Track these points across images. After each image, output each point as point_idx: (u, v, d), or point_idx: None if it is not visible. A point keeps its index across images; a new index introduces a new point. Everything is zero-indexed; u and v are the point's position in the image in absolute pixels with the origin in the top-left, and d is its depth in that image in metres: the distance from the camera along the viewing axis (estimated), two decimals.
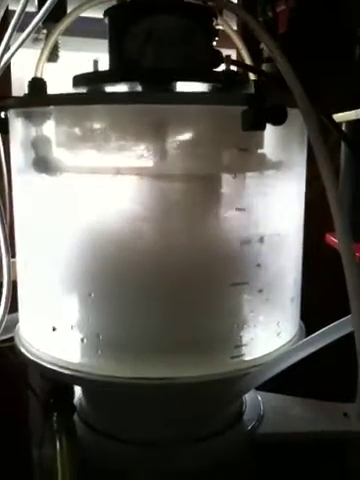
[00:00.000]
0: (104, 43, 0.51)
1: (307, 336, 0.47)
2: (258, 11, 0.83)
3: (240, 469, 0.53)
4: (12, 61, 0.82)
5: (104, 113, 0.43)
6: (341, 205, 0.34)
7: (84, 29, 0.90)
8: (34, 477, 0.69)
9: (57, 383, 0.49)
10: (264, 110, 0.40)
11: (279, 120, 0.40)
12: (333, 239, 0.60)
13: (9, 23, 0.52)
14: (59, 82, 0.52)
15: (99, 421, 0.52)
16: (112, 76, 0.48)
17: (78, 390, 0.54)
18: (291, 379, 0.51)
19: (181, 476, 0.49)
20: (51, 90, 0.47)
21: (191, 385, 0.42)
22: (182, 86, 0.46)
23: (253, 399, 0.56)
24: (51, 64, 0.84)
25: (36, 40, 0.82)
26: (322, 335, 0.45)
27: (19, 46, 0.53)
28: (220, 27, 0.74)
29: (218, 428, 0.50)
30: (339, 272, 0.38)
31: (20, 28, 0.55)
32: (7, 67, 0.56)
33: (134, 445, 0.49)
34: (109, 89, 0.47)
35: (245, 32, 0.80)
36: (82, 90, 0.49)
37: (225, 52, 0.49)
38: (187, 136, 0.42)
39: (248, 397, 0.56)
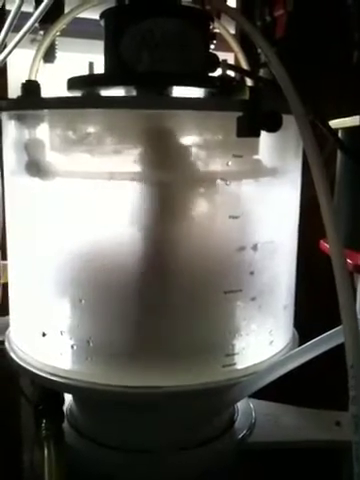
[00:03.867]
0: (102, 44, 0.51)
1: (301, 344, 0.47)
2: (256, 15, 0.83)
3: (231, 477, 0.53)
4: (10, 63, 0.82)
5: (98, 117, 0.43)
6: (333, 213, 0.34)
7: (82, 30, 0.89)
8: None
9: (47, 389, 0.48)
10: (259, 117, 0.39)
11: (274, 127, 0.40)
12: (327, 246, 0.60)
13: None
14: (56, 84, 0.52)
15: (89, 428, 0.51)
16: (107, 80, 0.47)
17: (68, 396, 0.53)
18: (284, 387, 0.51)
19: None
20: (47, 91, 0.46)
21: (181, 394, 0.42)
22: (177, 90, 0.46)
23: (245, 407, 0.55)
24: (49, 65, 0.84)
25: (34, 41, 0.82)
26: (316, 344, 0.45)
27: (15, 46, 0.52)
28: (217, 30, 0.74)
29: (209, 436, 0.50)
30: (334, 279, 0.38)
31: (18, 29, 0.54)
32: (3, 68, 0.55)
33: (124, 452, 0.48)
34: (104, 93, 0.47)
35: (243, 36, 0.79)
36: (77, 93, 0.48)
37: (223, 56, 0.49)
38: (181, 142, 0.42)
39: (240, 405, 0.55)
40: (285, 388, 0.54)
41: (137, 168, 0.42)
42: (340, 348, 0.41)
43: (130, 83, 0.45)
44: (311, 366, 0.46)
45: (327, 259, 0.38)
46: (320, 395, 0.61)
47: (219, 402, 0.45)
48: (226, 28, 0.67)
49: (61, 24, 0.61)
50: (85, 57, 0.51)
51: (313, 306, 0.67)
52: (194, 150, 0.41)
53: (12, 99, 0.48)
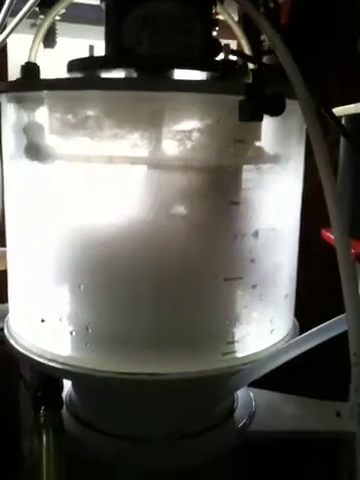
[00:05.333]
0: (102, 30, 0.50)
1: (301, 334, 0.47)
2: (259, 2, 0.81)
3: (230, 466, 0.53)
4: (11, 47, 0.81)
5: (98, 99, 0.42)
6: (338, 200, 0.33)
7: (83, 16, 0.88)
8: (24, 468, 0.69)
9: (46, 376, 0.48)
10: (262, 100, 0.39)
11: (277, 111, 0.39)
12: (329, 235, 0.59)
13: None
14: (56, 69, 0.51)
15: (88, 415, 0.51)
16: (107, 62, 0.46)
17: (68, 383, 0.53)
18: (284, 376, 0.51)
19: (169, 473, 0.48)
20: (47, 76, 0.45)
21: (180, 381, 0.41)
22: (179, 74, 0.45)
23: (245, 396, 0.55)
24: (49, 51, 0.83)
25: (34, 25, 0.81)
26: (316, 333, 0.44)
27: (13, 28, 0.51)
28: (220, 17, 0.73)
29: (208, 425, 0.49)
30: (335, 269, 0.37)
31: (18, 13, 0.54)
32: (3, 52, 0.55)
33: (123, 440, 0.48)
34: (104, 75, 0.46)
35: (246, 23, 0.78)
36: (77, 76, 0.47)
37: (225, 42, 0.48)
38: (182, 125, 0.41)
39: (240, 394, 0.55)
40: (285, 378, 0.54)
41: (137, 152, 0.41)
42: (339, 340, 0.41)
43: (131, 65, 0.44)
44: (312, 357, 0.46)
45: (328, 249, 0.37)
46: (320, 385, 0.61)
47: (219, 390, 0.45)
48: (229, 13, 0.66)
49: (60, 7, 0.60)
50: (86, 43, 0.50)
51: (313, 296, 0.66)
52: (195, 134, 0.41)
53: (12, 81, 0.48)
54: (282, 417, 0.53)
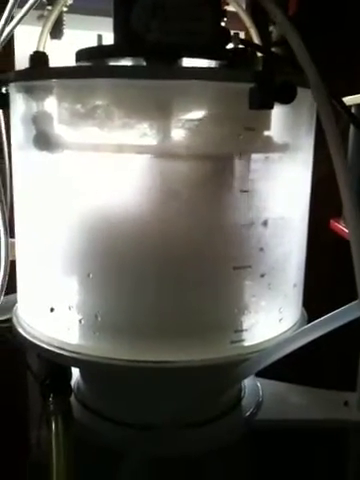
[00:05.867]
0: (110, 21, 0.50)
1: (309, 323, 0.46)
2: None
3: (238, 455, 0.53)
4: (18, 39, 0.81)
5: (107, 88, 0.42)
6: (351, 186, 0.33)
7: (90, 7, 0.88)
8: (32, 456, 0.69)
9: (54, 364, 0.48)
10: (273, 88, 0.38)
11: (288, 99, 0.39)
12: (338, 225, 0.59)
13: None
14: (64, 62, 0.51)
15: (96, 402, 0.51)
16: (116, 50, 0.46)
17: (76, 371, 0.53)
18: (291, 366, 0.51)
19: (177, 460, 0.49)
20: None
21: (188, 369, 0.42)
22: (188, 62, 0.45)
23: (252, 385, 0.55)
24: (56, 43, 0.83)
25: (42, 17, 0.81)
26: (324, 322, 0.44)
27: (20, 20, 0.51)
28: (229, 8, 0.72)
29: (216, 413, 0.50)
30: (343, 259, 0.37)
31: (25, 4, 0.54)
32: (10, 43, 0.55)
33: (130, 427, 0.48)
34: (113, 64, 0.46)
35: (254, 14, 0.78)
36: (85, 64, 0.47)
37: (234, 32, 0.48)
38: (192, 114, 0.41)
39: (247, 383, 0.55)
40: (293, 368, 0.54)
41: (146, 141, 0.41)
42: (347, 329, 0.41)
43: (140, 54, 0.44)
44: (319, 346, 0.46)
45: (336, 239, 0.37)
46: (327, 375, 0.61)
47: (227, 378, 0.45)
48: (239, 3, 0.66)
49: None
50: (93, 34, 0.50)
51: (321, 286, 0.66)
52: (205, 122, 0.41)
53: (20, 70, 0.48)
54: (289, 406, 0.53)
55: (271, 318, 0.47)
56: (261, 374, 0.48)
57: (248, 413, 0.51)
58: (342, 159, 0.34)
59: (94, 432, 0.50)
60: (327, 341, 0.44)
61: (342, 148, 0.34)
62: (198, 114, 0.41)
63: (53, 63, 0.46)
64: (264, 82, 0.38)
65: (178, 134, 0.41)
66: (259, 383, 0.56)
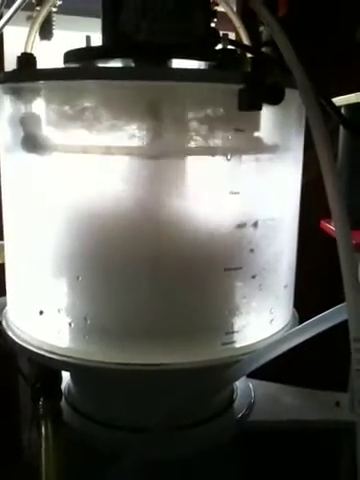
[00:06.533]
0: (100, 22, 0.50)
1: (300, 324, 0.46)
2: None
3: (230, 456, 0.53)
4: (7, 39, 0.80)
5: (95, 89, 0.42)
6: (339, 189, 0.33)
7: (80, 8, 0.87)
8: (23, 459, 0.69)
9: (44, 368, 0.48)
10: (261, 89, 0.38)
11: (276, 100, 0.39)
12: (328, 226, 0.59)
13: None
14: (54, 63, 0.51)
15: (87, 406, 0.51)
16: (105, 51, 0.46)
17: (67, 375, 0.53)
18: (283, 367, 0.51)
19: (169, 462, 0.48)
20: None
21: (179, 371, 0.41)
22: (177, 63, 0.44)
23: (244, 387, 0.55)
24: (45, 45, 0.83)
25: (30, 18, 0.80)
26: (315, 323, 0.44)
27: (8, 20, 0.51)
28: (219, 8, 0.72)
29: (208, 415, 0.49)
30: (334, 259, 0.37)
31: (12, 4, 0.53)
32: None
33: (121, 430, 0.48)
34: (102, 65, 0.46)
35: (244, 15, 0.78)
36: (74, 66, 0.47)
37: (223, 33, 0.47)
38: (181, 115, 0.41)
39: (239, 384, 0.55)
40: (285, 369, 0.54)
41: (135, 142, 0.41)
42: (339, 329, 0.41)
43: (129, 55, 0.44)
44: (310, 347, 0.46)
45: (327, 239, 0.37)
46: (319, 376, 0.61)
47: (218, 380, 0.45)
48: (229, 4, 0.66)
49: None
50: (83, 35, 0.49)
51: (312, 286, 0.66)
52: (194, 123, 0.40)
53: (8, 71, 0.47)
54: (281, 407, 0.54)
55: (262, 319, 0.46)
56: (253, 374, 0.48)
57: (240, 414, 0.51)
58: (330, 160, 0.34)
59: (85, 435, 0.49)
60: (318, 341, 0.44)
61: (330, 149, 0.34)
62: (187, 115, 0.41)
63: (43, 64, 0.46)
64: (253, 84, 0.38)
65: (167, 136, 0.41)
66: (251, 384, 0.56)
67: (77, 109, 0.42)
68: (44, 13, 0.63)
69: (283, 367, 0.50)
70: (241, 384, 0.55)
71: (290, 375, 0.57)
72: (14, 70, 0.45)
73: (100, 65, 0.46)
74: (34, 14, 0.77)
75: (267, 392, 0.56)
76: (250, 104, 0.39)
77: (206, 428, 0.49)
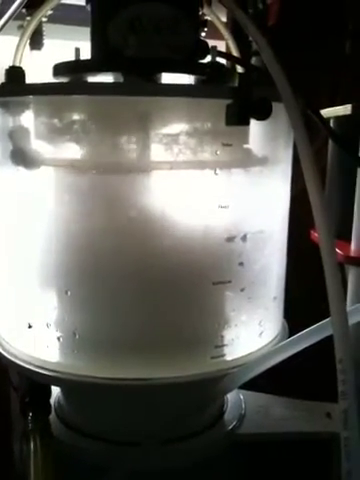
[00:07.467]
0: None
1: (291, 335, 0.47)
2: (248, 3, 0.81)
3: (220, 469, 0.52)
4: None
5: (84, 104, 0.42)
6: (324, 205, 0.33)
7: (71, 17, 0.87)
8: (15, 472, 0.68)
9: (34, 382, 0.47)
10: (249, 104, 0.39)
11: (264, 115, 0.39)
12: (317, 235, 0.59)
13: None
14: (46, 73, 0.51)
15: (76, 420, 0.50)
16: (94, 65, 0.46)
17: (56, 389, 0.53)
18: (274, 378, 0.51)
19: (159, 475, 0.48)
20: (36, 79, 0.45)
21: (169, 386, 0.41)
22: (166, 77, 0.45)
23: (235, 398, 0.55)
24: (37, 54, 0.82)
25: (21, 27, 0.80)
26: (305, 335, 0.45)
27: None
28: (208, 18, 0.72)
29: (198, 428, 0.49)
30: (323, 270, 0.37)
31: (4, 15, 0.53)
32: None
33: (112, 444, 0.48)
34: (90, 79, 0.46)
35: (234, 24, 0.78)
36: (63, 79, 0.47)
37: (213, 44, 0.47)
38: (169, 129, 0.41)
39: (230, 396, 0.55)
40: (276, 380, 0.54)
41: (123, 156, 0.41)
42: (330, 339, 0.41)
43: (117, 69, 0.44)
44: (302, 358, 0.46)
45: (317, 250, 0.37)
46: (311, 387, 0.61)
47: (208, 394, 0.45)
48: (217, 15, 0.66)
49: (47, 8, 0.59)
50: (74, 45, 0.49)
51: (303, 297, 0.66)
52: (182, 138, 0.40)
53: None
54: (272, 419, 0.53)
55: (252, 332, 0.46)
56: (248, 385, 0.48)
57: (231, 426, 0.51)
58: (314, 174, 0.34)
59: (75, 449, 0.49)
60: (309, 351, 0.44)
61: (314, 162, 0.34)
62: (175, 129, 0.41)
63: (33, 74, 0.46)
64: (241, 99, 0.38)
65: (155, 149, 0.41)
66: (242, 395, 0.56)
67: (66, 123, 0.42)
68: (34, 24, 0.62)
69: (274, 377, 0.50)
70: (232, 395, 0.55)
71: (281, 385, 0.57)
72: (2, 83, 0.45)
73: (89, 79, 0.46)
74: (25, 23, 0.77)
75: (258, 403, 0.55)
76: (238, 119, 0.39)
77: (196, 441, 0.49)
